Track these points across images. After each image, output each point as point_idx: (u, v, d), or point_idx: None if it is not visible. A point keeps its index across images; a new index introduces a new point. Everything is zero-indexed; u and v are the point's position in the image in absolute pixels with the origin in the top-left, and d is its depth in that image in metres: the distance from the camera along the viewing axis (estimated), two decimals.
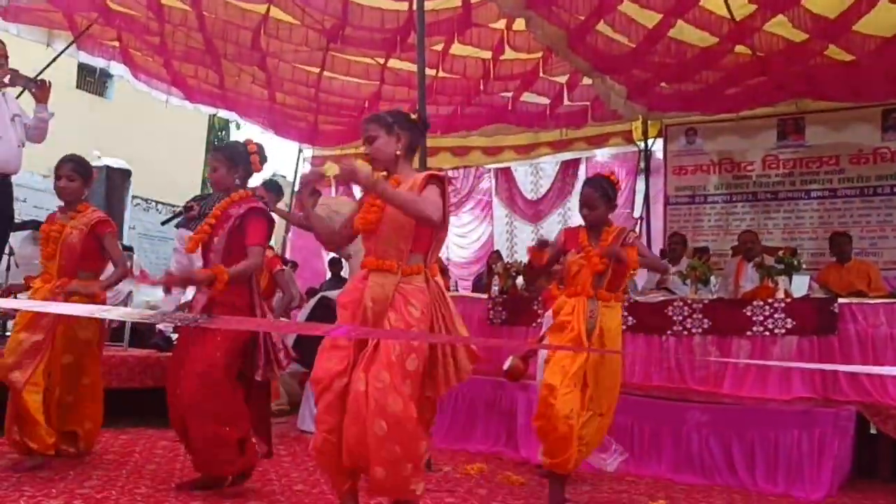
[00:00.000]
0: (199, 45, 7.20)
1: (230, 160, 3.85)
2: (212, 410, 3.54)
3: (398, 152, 3.05)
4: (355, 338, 2.93)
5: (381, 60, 7.46)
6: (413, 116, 3.15)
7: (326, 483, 3.92)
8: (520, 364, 4.07)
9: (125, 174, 9.23)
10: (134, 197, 11.11)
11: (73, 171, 4.13)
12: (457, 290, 9.00)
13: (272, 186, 7.13)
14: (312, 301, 6.23)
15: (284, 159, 13.88)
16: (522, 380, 4.41)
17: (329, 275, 9.49)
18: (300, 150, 10.37)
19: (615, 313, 3.96)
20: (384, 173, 3.05)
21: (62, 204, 4.20)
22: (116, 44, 7.48)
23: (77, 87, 15.14)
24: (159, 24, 6.89)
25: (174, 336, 6.93)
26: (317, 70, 7.69)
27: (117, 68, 7.93)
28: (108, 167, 8.96)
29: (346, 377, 2.90)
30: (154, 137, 14.56)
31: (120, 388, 5.60)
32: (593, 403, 3.86)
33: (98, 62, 7.88)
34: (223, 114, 9.47)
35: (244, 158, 3.87)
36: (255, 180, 4.36)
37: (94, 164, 9.39)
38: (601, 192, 3.97)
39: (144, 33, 7.16)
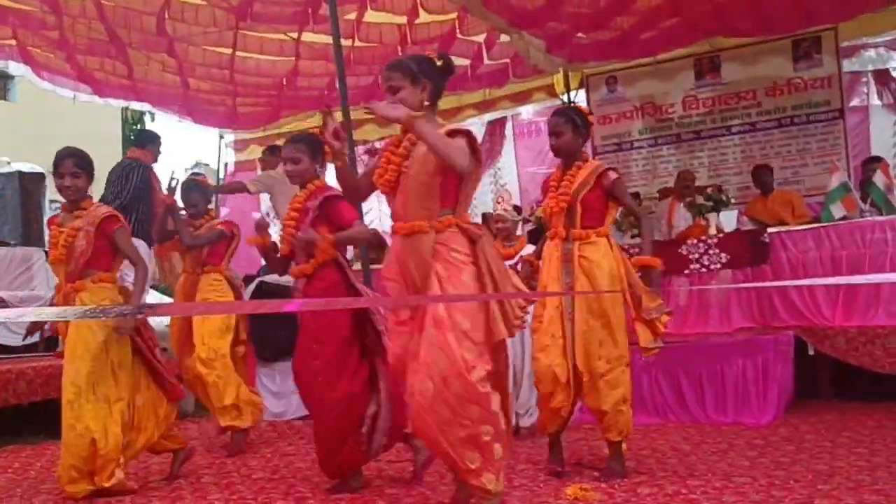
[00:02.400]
0: (101, 36, 6.87)
1: (311, 150, 3.71)
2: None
3: (425, 102, 2.90)
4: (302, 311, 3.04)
5: (295, 35, 7.26)
6: (438, 61, 2.95)
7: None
8: None
9: (39, 178, 8.83)
10: (52, 201, 10.69)
11: (76, 167, 3.76)
12: None
13: (147, 139, 6.71)
14: (251, 287, 6.11)
15: (206, 147, 13.50)
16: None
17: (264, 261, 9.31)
18: (221, 136, 10.09)
19: (600, 249, 3.62)
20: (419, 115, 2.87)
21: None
22: (13, 42, 7.07)
23: None
24: (57, 18, 6.55)
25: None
26: (229, 51, 7.43)
27: (17, 68, 7.53)
28: (20, 172, 8.56)
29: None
30: (66, 136, 13.95)
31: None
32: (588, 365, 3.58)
33: None
34: (136, 106, 9.12)
35: (320, 148, 3.70)
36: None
37: (3, 170, 9.01)
38: (566, 117, 3.71)
39: (42, 28, 6.81)
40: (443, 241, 2.83)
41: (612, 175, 3.67)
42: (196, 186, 5.14)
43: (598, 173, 3.66)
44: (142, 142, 6.61)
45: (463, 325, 2.73)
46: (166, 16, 6.54)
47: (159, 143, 6.66)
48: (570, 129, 3.68)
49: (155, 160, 6.69)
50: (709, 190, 6.84)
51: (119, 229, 3.81)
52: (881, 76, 8.62)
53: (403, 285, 2.91)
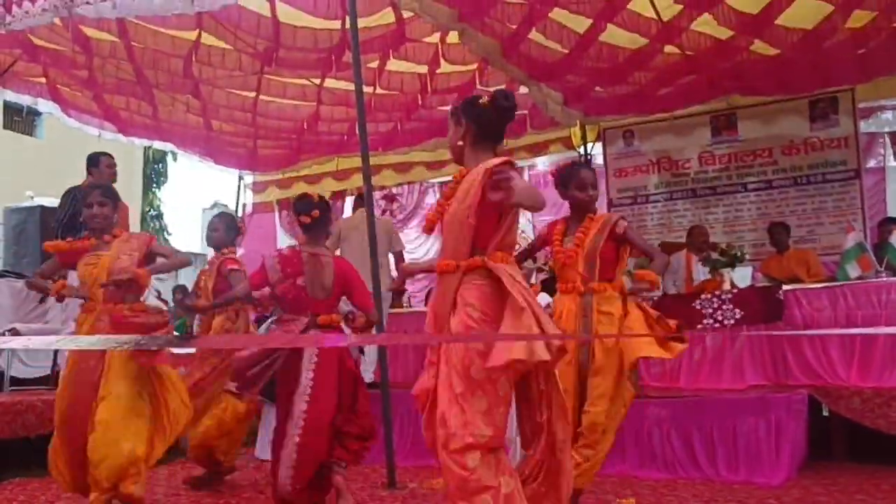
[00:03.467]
0: (129, 77, 7.05)
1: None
2: None
3: (459, 142, 2.86)
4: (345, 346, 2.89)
5: (317, 81, 7.41)
6: (483, 99, 2.84)
7: None
8: None
9: None
10: None
11: (102, 197, 4.03)
12: (410, 306, 8.99)
13: (89, 164, 6.28)
14: (261, 328, 6.12)
15: (225, 187, 13.65)
16: None
17: None
18: (240, 178, 10.23)
19: (616, 306, 3.68)
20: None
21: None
22: (43, 80, 7.26)
23: (4, 127, 14.75)
24: (87, 58, 6.72)
25: None
26: (252, 94, 7.59)
27: (46, 105, 7.68)
28: (42, 207, 8.70)
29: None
30: None
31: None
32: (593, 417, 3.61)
33: (25, 100, 7.63)
34: (158, 145, 9.27)
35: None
36: None
37: (26, 204, 9.14)
38: (595, 173, 3.94)
39: (72, 67, 6.98)
40: (462, 294, 2.70)
41: (623, 224, 3.75)
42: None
43: (612, 226, 3.73)
44: (88, 169, 6.32)
45: (457, 388, 2.59)
46: (194, 58, 6.70)
47: (104, 163, 6.25)
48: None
49: (109, 178, 6.18)
50: (723, 245, 6.84)
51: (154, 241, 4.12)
52: None
53: (433, 324, 2.82)
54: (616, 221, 3.75)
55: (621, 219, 3.80)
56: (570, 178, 3.84)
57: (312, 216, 4.05)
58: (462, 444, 2.53)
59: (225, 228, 5.16)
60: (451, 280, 2.73)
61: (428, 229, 2.90)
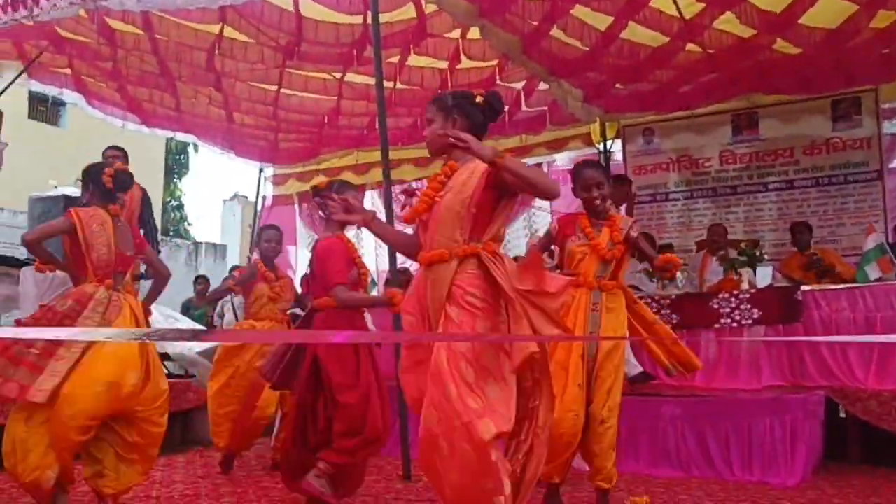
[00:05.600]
0: (153, 69, 7.13)
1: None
2: None
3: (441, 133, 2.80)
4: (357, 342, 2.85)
5: (339, 75, 7.45)
6: (479, 98, 2.83)
7: None
8: None
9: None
10: None
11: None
12: None
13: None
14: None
15: (245, 179, 13.74)
16: None
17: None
18: (261, 170, 10.31)
19: (620, 303, 3.87)
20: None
21: None
22: (68, 71, 7.37)
23: (29, 116, 14.92)
24: (111, 50, 6.81)
25: None
26: (274, 88, 7.65)
27: (70, 96, 7.80)
28: (65, 196, 8.80)
29: None
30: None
31: None
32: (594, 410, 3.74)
33: (50, 90, 7.75)
34: (181, 137, 9.37)
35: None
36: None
37: (49, 194, 9.24)
38: (603, 170, 4.01)
39: (97, 59, 7.07)
40: (460, 283, 2.64)
41: (637, 228, 3.93)
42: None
43: (628, 229, 3.87)
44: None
45: (468, 376, 2.51)
46: (216, 51, 6.76)
47: (107, 154, 6.01)
48: (607, 183, 3.93)
49: None
50: (743, 244, 6.80)
51: None
52: None
53: (420, 320, 2.76)
54: (631, 226, 3.89)
55: (635, 222, 3.96)
56: (576, 178, 3.97)
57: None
58: (491, 433, 2.43)
59: None
60: (445, 270, 2.68)
61: (411, 219, 2.86)
